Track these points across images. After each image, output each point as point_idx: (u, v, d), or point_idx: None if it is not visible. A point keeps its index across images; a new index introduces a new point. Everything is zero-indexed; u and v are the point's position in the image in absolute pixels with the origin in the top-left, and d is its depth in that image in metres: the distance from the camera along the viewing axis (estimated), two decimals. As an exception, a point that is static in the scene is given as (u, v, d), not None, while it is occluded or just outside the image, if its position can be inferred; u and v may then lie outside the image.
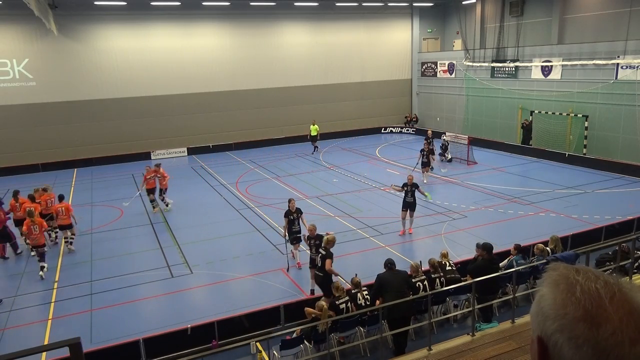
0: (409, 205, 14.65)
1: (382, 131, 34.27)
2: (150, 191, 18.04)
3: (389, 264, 9.24)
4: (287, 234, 12.48)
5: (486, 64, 28.58)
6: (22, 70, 25.69)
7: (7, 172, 24.83)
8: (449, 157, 24.60)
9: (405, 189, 14.66)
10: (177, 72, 28.48)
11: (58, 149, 26.73)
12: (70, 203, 16.35)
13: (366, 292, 9.45)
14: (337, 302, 9.01)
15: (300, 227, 12.51)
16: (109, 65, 27.16)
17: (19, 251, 14.53)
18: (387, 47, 33.97)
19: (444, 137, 25.31)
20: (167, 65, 28.22)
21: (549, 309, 0.96)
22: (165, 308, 11.20)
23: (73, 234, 14.89)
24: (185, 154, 29.32)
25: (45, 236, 13.73)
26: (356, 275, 9.77)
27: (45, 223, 13.58)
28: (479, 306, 9.00)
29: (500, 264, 10.44)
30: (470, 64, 29.64)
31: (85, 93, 26.94)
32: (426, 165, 20.47)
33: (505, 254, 11.30)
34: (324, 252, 10.40)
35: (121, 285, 12.24)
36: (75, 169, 26.29)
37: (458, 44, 32.90)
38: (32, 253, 13.68)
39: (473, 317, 8.26)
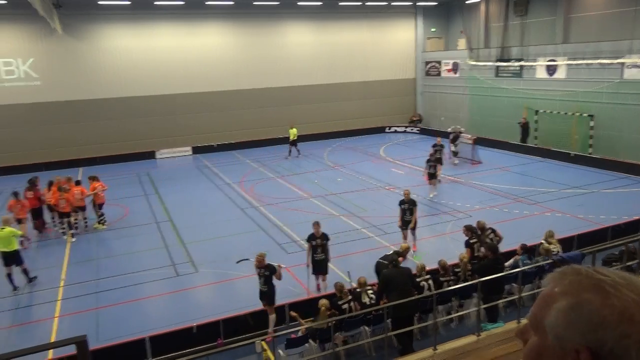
0: (407, 224, 13.14)
1: (387, 130, 34.23)
2: (100, 205, 16.63)
3: (393, 261, 9.22)
4: (309, 262, 11.13)
5: (490, 64, 28.49)
6: (27, 69, 25.78)
7: (12, 171, 24.86)
8: (458, 146, 24.10)
9: (403, 207, 13.09)
10: (181, 71, 28.52)
11: (62, 148, 26.80)
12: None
13: (371, 292, 9.44)
14: (339, 303, 9.01)
15: (325, 256, 11.10)
16: (114, 65, 27.22)
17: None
18: (391, 46, 33.91)
19: (456, 127, 24.73)
20: (171, 65, 28.26)
21: (607, 316, 0.90)
22: (171, 306, 11.24)
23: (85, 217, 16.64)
24: (190, 153, 29.36)
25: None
26: (349, 273, 9.84)
27: (71, 198, 15.54)
28: (485, 306, 8.98)
29: (506, 264, 10.42)
30: (475, 63, 29.57)
31: (89, 92, 27.01)
32: (433, 177, 18.20)
33: (510, 254, 11.28)
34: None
35: (127, 284, 12.28)
36: (80, 168, 26.30)
37: (462, 43, 32.79)
38: (58, 229, 16.10)
39: (478, 317, 8.25)
